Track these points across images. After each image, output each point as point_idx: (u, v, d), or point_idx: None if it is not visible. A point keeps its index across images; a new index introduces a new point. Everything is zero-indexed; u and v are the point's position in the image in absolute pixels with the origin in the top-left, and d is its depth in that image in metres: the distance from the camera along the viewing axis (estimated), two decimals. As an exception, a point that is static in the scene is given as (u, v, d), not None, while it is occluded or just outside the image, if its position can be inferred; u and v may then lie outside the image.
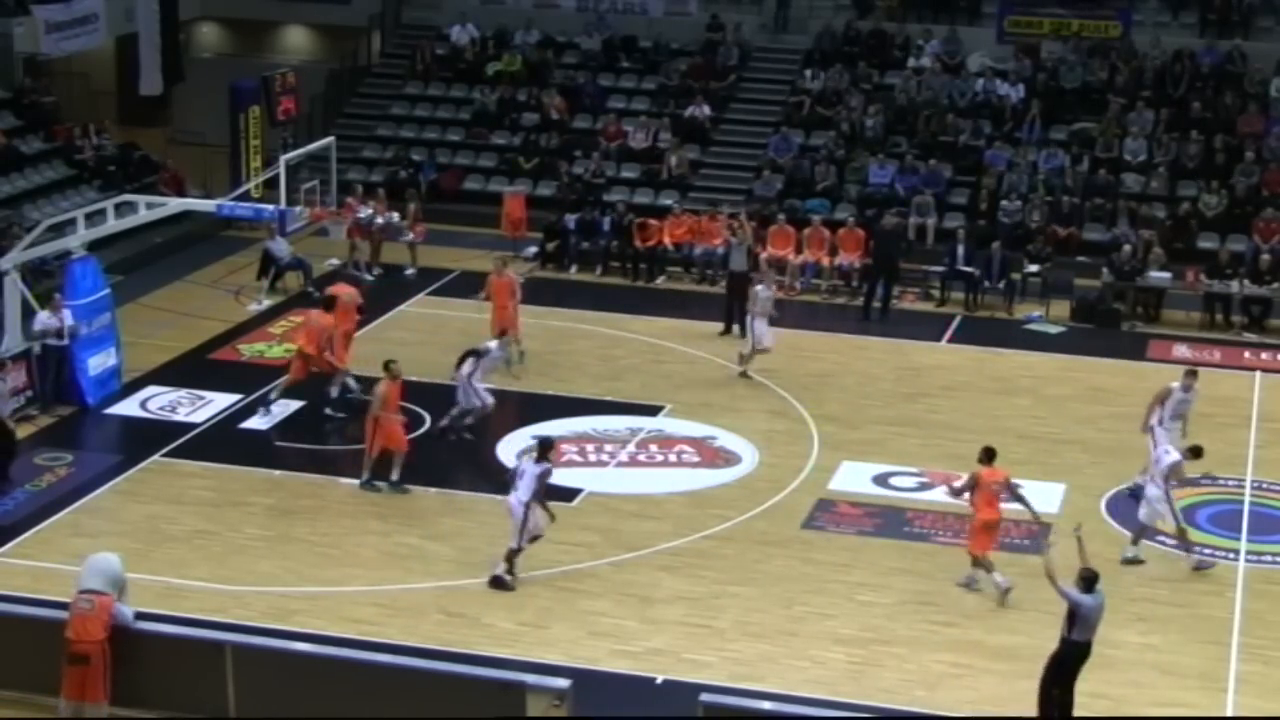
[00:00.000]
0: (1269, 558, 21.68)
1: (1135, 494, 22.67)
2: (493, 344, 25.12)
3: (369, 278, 33.04)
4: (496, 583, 20.19)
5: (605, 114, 39.22)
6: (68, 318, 25.52)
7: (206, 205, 30.69)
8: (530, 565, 20.67)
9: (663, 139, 38.02)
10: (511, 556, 20.21)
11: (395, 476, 22.87)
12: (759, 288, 27.46)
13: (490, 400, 24.76)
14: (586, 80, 40.06)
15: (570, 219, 34.59)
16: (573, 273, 33.86)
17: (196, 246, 34.58)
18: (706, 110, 38.59)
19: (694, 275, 33.67)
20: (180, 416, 25.59)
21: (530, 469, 20.11)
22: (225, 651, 16.91)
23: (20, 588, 19.60)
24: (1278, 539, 22.32)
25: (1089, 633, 17.11)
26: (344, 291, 26.96)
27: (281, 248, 31.81)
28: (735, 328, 29.38)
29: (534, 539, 20.27)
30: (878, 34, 39.80)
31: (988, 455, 20.52)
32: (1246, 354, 30.05)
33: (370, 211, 33.35)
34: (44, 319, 25.47)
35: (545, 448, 20.53)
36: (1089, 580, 16.97)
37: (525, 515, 19.99)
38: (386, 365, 23.08)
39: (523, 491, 19.99)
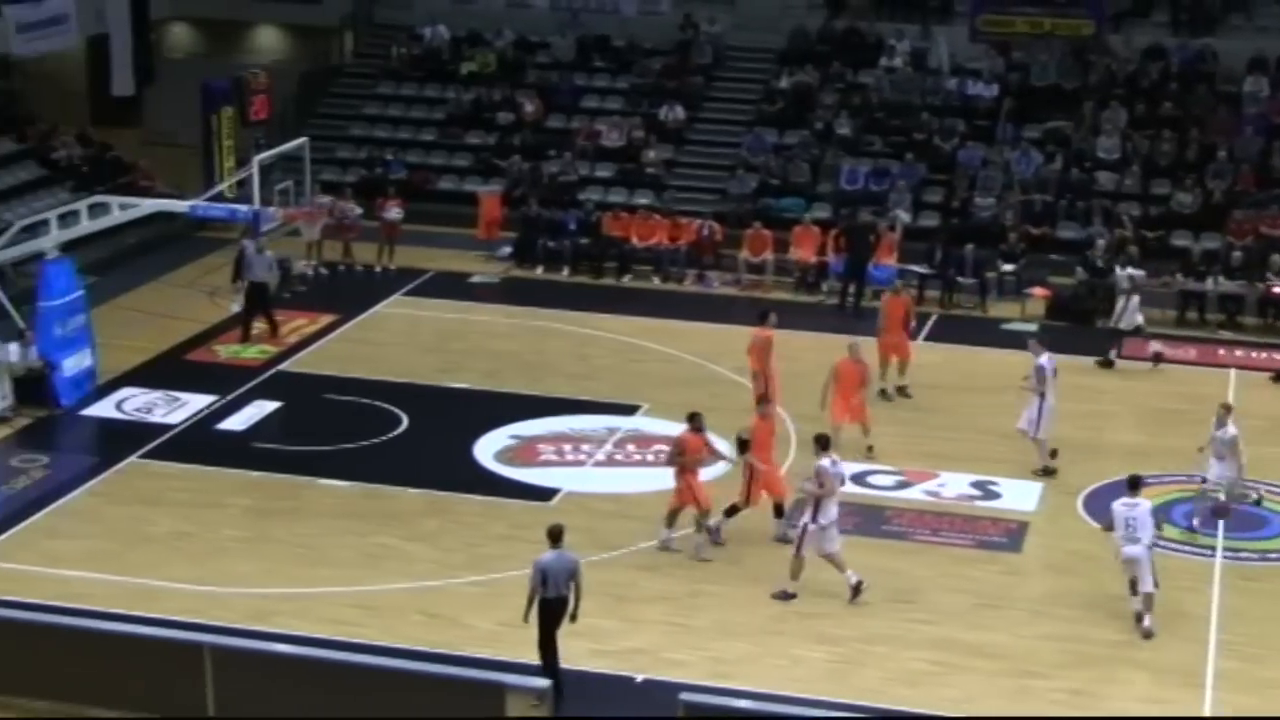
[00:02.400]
0: (1245, 554, 21.75)
1: None
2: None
3: (322, 272, 33.11)
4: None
5: (579, 113, 39.18)
6: (34, 355, 25.49)
7: (180, 206, 30.57)
8: (510, 565, 20.65)
9: (636, 137, 37.99)
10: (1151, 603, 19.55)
11: (713, 523, 21.68)
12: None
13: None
14: (560, 79, 40.00)
15: (535, 209, 34.52)
16: (539, 273, 33.72)
17: (171, 247, 34.45)
18: (680, 112, 38.55)
19: (662, 273, 33.62)
20: (156, 418, 25.51)
21: (1142, 515, 19.45)
22: (204, 653, 16.88)
23: (-4, 590, 19.55)
24: (1254, 535, 22.41)
25: None
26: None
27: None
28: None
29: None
30: (851, 33, 39.82)
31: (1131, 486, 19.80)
32: (1221, 351, 30.13)
33: (328, 201, 33.45)
34: (13, 351, 25.39)
35: (1134, 485, 19.81)
36: None
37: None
38: (691, 417, 21.92)
39: (1146, 536, 19.39)
